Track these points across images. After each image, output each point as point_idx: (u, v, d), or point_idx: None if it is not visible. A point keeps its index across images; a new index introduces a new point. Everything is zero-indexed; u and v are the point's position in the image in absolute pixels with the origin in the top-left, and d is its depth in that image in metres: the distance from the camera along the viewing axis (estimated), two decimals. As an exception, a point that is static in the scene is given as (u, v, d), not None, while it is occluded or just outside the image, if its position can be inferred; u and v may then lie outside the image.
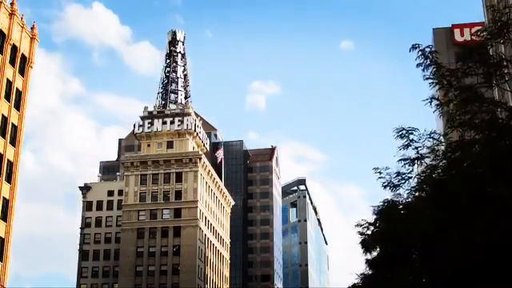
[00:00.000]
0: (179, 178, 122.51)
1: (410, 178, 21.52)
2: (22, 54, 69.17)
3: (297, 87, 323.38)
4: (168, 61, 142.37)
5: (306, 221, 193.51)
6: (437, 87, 20.12)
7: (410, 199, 23.37)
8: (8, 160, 65.14)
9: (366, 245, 27.01)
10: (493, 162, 17.61)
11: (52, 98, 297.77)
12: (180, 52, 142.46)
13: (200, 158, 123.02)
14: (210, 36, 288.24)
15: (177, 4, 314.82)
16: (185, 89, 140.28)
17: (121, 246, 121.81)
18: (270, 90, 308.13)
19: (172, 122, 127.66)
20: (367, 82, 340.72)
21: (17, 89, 67.93)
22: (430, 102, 19.86)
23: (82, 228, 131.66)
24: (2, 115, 65.03)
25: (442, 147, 21.12)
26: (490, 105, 19.43)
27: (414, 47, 19.69)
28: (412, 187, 22.11)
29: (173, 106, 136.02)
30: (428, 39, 71.63)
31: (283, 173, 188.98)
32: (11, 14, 67.26)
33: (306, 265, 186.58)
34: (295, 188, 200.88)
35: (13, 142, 66.40)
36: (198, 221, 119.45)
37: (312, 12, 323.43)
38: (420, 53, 19.57)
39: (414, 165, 20.92)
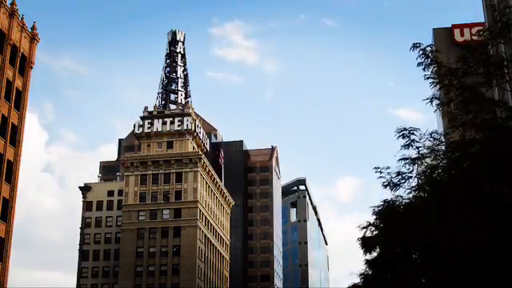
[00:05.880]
0: (179, 178, 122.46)
1: (411, 177, 21.49)
2: (22, 54, 69.07)
3: (296, 88, 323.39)
4: (168, 61, 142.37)
5: (305, 221, 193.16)
6: (437, 86, 20.08)
7: (410, 199, 23.32)
8: (8, 160, 65.08)
9: (366, 245, 26.96)
10: (493, 161, 17.58)
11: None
12: (180, 52, 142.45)
13: (200, 158, 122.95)
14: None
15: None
16: (185, 89, 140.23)
17: (121, 246, 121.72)
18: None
19: (172, 122, 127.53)
20: (367, 82, 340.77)
21: (17, 89, 67.85)
22: (431, 102, 19.82)
23: (81, 228, 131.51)
24: (2, 115, 64.94)
25: (443, 147, 21.09)
26: (491, 105, 19.40)
27: (414, 46, 19.62)
28: (412, 187, 22.07)
29: (173, 106, 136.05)
30: (428, 39, 71.44)
31: (283, 173, 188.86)
32: (11, 14, 67.17)
33: (306, 265, 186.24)
34: (295, 188, 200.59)
35: (13, 142, 66.33)
36: (197, 221, 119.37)
37: (311, 12, 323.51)
38: (421, 52, 19.52)
39: (414, 164, 20.88)
